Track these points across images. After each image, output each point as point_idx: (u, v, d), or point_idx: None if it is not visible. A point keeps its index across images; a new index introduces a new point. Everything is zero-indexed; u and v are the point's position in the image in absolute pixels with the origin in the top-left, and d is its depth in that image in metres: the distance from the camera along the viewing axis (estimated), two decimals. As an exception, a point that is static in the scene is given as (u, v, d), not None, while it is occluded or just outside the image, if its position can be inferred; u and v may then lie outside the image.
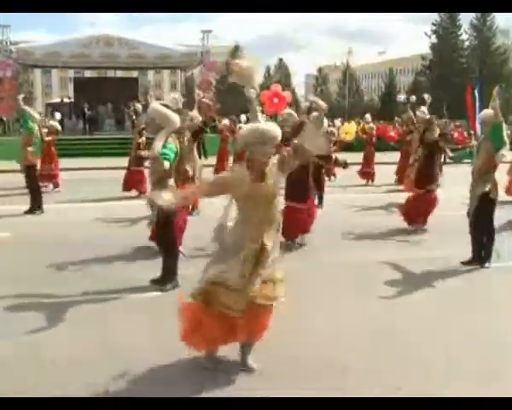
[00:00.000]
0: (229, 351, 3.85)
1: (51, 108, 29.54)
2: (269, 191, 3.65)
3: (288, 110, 7.78)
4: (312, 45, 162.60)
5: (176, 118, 5.58)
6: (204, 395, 3.46)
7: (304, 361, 3.94)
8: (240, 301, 3.55)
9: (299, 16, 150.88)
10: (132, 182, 11.76)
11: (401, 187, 11.97)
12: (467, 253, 6.62)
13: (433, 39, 54.55)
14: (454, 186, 10.01)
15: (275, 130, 3.66)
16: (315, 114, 7.39)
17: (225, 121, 16.30)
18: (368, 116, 17.58)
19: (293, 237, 7.42)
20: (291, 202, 7.22)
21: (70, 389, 3.49)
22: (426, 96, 11.23)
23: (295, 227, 7.28)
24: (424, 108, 10.15)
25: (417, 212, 8.49)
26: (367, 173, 14.96)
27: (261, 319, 3.68)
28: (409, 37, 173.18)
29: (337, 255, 7.05)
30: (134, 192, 11.71)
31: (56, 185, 13.16)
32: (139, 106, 12.36)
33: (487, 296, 5.60)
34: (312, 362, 3.94)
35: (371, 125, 16.26)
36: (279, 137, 3.67)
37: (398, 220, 8.77)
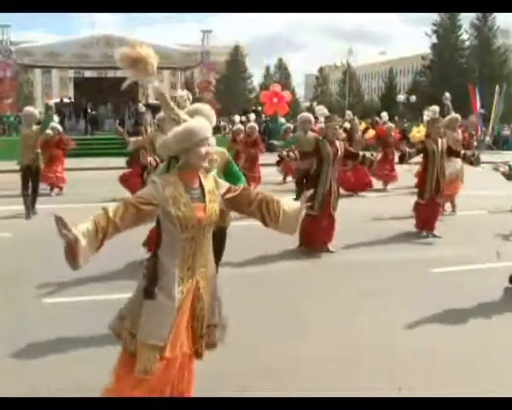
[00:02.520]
0: (231, 351, 3.85)
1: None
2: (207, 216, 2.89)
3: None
4: (312, 45, 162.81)
5: None
6: (204, 395, 3.45)
7: (306, 362, 3.95)
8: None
9: (299, 16, 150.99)
10: None
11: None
12: (479, 253, 6.79)
13: (434, 39, 54.50)
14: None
15: (201, 124, 2.89)
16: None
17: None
18: (385, 115, 15.92)
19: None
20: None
21: (69, 388, 3.49)
22: (447, 95, 10.48)
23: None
24: (458, 117, 9.50)
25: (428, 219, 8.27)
26: (387, 176, 13.67)
27: None
28: (409, 37, 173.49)
29: (343, 256, 7.07)
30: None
31: (52, 188, 13.19)
32: (142, 106, 12.29)
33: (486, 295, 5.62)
34: (313, 363, 3.94)
35: (390, 124, 14.77)
36: (209, 132, 2.90)
37: (405, 223, 8.76)
